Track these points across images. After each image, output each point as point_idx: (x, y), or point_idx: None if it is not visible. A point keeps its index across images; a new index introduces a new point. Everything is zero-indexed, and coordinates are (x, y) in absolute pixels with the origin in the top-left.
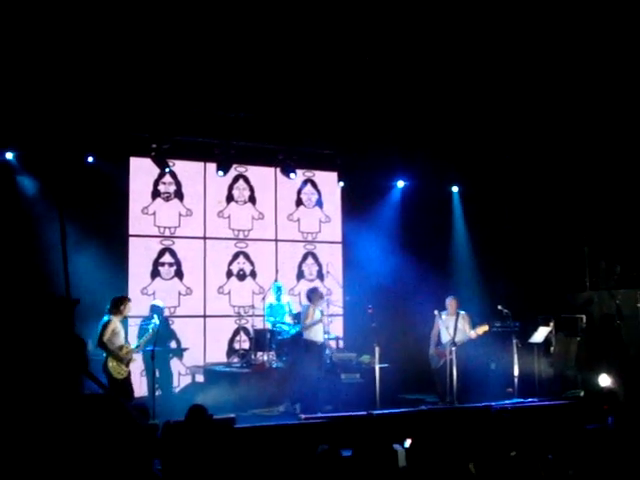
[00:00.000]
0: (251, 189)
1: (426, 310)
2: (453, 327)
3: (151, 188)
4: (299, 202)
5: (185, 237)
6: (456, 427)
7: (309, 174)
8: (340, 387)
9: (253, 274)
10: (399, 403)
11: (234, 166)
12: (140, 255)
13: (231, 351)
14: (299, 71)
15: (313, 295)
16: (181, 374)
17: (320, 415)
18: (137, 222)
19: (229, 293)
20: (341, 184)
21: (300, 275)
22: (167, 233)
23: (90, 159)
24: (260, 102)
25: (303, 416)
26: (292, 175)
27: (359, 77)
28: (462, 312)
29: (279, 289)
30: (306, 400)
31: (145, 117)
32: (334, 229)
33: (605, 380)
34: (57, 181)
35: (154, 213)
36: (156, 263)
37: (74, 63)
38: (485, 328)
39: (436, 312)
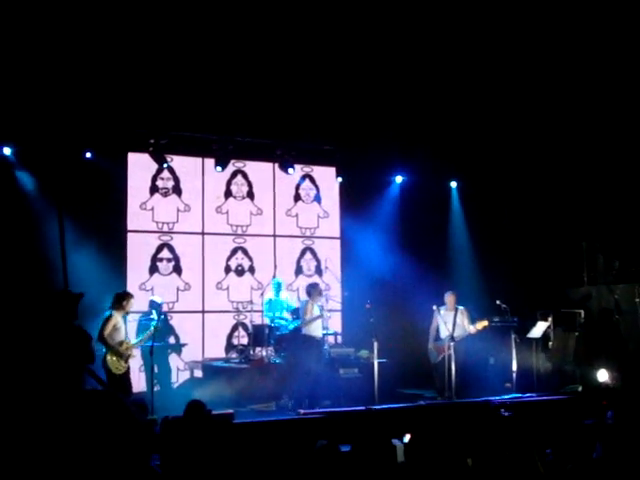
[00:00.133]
0: (249, 184)
1: (425, 305)
2: (452, 322)
3: (149, 184)
4: (297, 197)
5: (183, 233)
6: (455, 422)
7: (307, 169)
8: (339, 382)
9: (252, 269)
10: (397, 398)
11: (232, 161)
12: (138, 251)
13: (230, 346)
14: (297, 66)
15: (313, 290)
16: (180, 369)
17: (319, 410)
18: (135, 218)
19: (227, 288)
20: (339, 179)
21: (298, 270)
22: (165, 229)
23: (88, 155)
24: (258, 97)
25: (302, 411)
26: (290, 170)
27: (358, 72)
28: (461, 307)
29: (279, 285)
30: (305, 395)
31: (143, 112)
32: (332, 224)
33: (603, 375)
34: (55, 177)
35: (152, 209)
36: (154, 259)
37: (72, 58)
38: (485, 323)
39: (434, 307)
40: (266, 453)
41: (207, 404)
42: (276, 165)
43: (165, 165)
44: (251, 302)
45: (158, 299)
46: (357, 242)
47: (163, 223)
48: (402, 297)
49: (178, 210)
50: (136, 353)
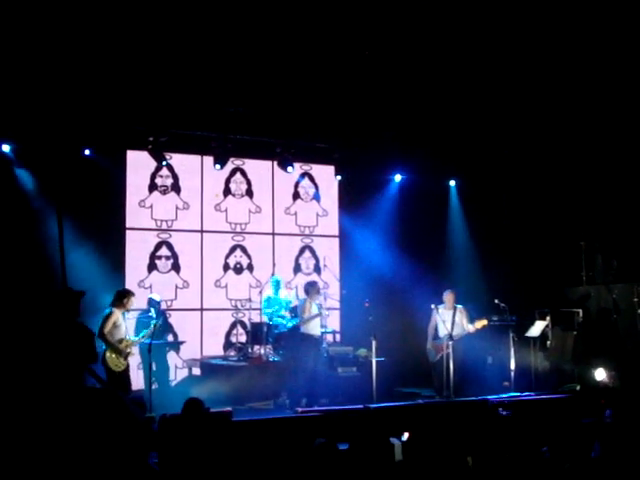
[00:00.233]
0: (248, 182)
1: (423, 304)
2: (450, 321)
3: (148, 181)
4: (296, 196)
5: (182, 230)
6: (453, 421)
7: (306, 168)
8: (337, 381)
9: (250, 267)
10: (396, 397)
11: (231, 159)
12: (137, 248)
13: (228, 344)
14: (297, 65)
15: (311, 289)
16: (178, 367)
17: (317, 408)
18: (134, 215)
19: (226, 286)
20: (338, 178)
21: (297, 269)
22: (164, 226)
23: (87, 152)
24: (258, 96)
25: (300, 409)
26: (289, 169)
27: (357, 71)
28: (459, 306)
29: (277, 283)
30: (302, 394)
31: (142, 110)
32: (331, 223)
33: (601, 374)
34: (54, 174)
35: (151, 206)
36: (153, 256)
37: (71, 56)
38: (484, 322)
39: (433, 306)
40: (264, 451)
41: (205, 402)
42: (275, 163)
43: (164, 163)
44: (250, 300)
45: (157, 297)
46: (356, 240)
47: (162, 221)
48: (401, 296)
49: (177, 208)
50: (135, 351)
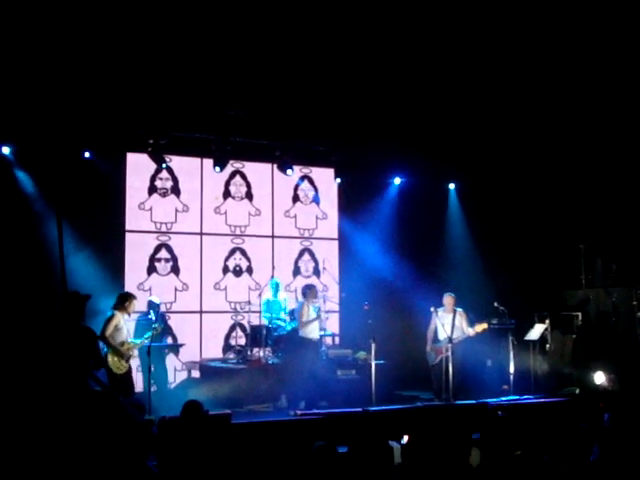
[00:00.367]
0: (248, 185)
1: (422, 307)
2: (450, 324)
3: (148, 184)
4: (296, 198)
5: (181, 233)
6: (452, 424)
7: (306, 170)
8: (336, 384)
9: (249, 270)
10: (395, 400)
11: (231, 162)
12: (137, 251)
13: (227, 347)
14: (296, 68)
15: (308, 292)
16: (177, 370)
17: (316, 411)
18: (133, 218)
19: (225, 289)
20: (338, 181)
21: (296, 271)
22: (163, 229)
23: (87, 154)
24: (257, 98)
25: (299, 412)
26: (289, 171)
27: (357, 74)
28: (459, 309)
29: (277, 286)
30: (300, 397)
31: (142, 113)
32: (331, 226)
33: (600, 378)
34: (53, 176)
35: (151, 209)
36: (152, 259)
37: (71, 58)
38: (484, 326)
39: (432, 309)
40: (263, 454)
41: (204, 404)
42: (275, 166)
43: (164, 165)
44: (249, 303)
45: (156, 299)
46: (355, 243)
47: (161, 223)
48: (400, 298)
49: (176, 210)
50: (134, 353)
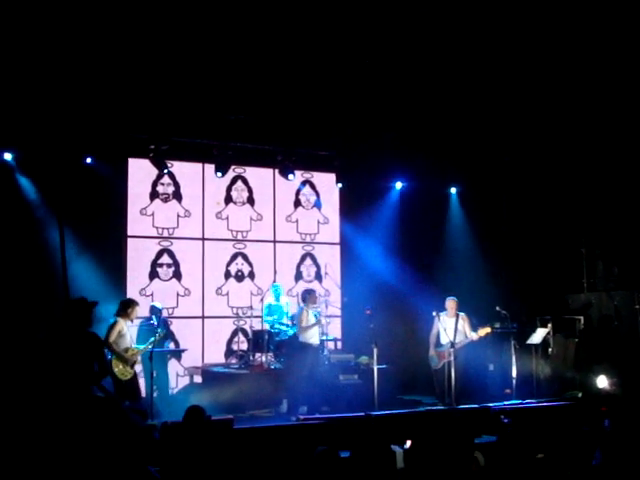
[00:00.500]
0: (249, 190)
1: (425, 311)
2: (453, 328)
3: (149, 189)
4: (297, 203)
5: (183, 238)
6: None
7: (307, 175)
8: (338, 388)
9: (251, 275)
10: (397, 404)
11: (232, 167)
12: (138, 256)
13: (229, 352)
14: (298, 73)
15: (308, 297)
16: (179, 375)
17: (318, 416)
18: (135, 223)
19: (227, 294)
20: (339, 185)
21: (298, 276)
22: (165, 234)
23: (88, 160)
24: (259, 103)
25: (301, 417)
26: (291, 176)
27: (358, 79)
28: (462, 313)
29: (279, 290)
30: (301, 402)
31: (144, 118)
32: (332, 230)
33: (603, 381)
34: (55, 182)
35: (152, 214)
36: (154, 264)
37: (73, 64)
38: (487, 330)
39: (435, 313)
40: (266, 459)
41: (206, 410)
42: (276, 171)
43: (165, 171)
44: (251, 308)
45: (158, 304)
46: (357, 248)
47: (163, 229)
48: (402, 303)
49: (178, 216)
50: (139, 359)
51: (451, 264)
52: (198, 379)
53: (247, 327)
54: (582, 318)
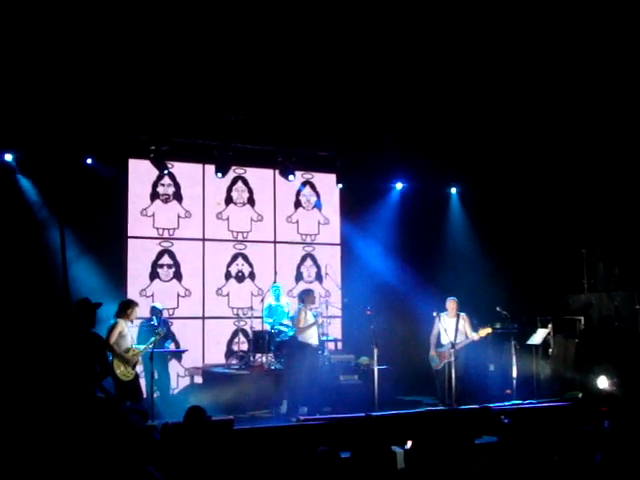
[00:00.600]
0: (250, 191)
1: (425, 312)
2: (453, 329)
3: (150, 190)
4: (298, 204)
5: (184, 239)
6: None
7: (308, 176)
8: (339, 389)
9: (252, 276)
10: (398, 405)
11: (233, 168)
12: (139, 257)
13: (230, 353)
14: (298, 73)
15: (306, 297)
16: (180, 376)
17: (319, 417)
18: (136, 224)
19: (228, 295)
20: (340, 186)
21: (299, 277)
22: (166, 235)
23: (89, 161)
24: (259, 104)
25: (302, 418)
26: (291, 177)
27: (358, 79)
28: (462, 314)
29: (279, 291)
30: (300, 403)
31: (144, 119)
32: (333, 231)
33: (603, 382)
34: (56, 183)
35: (153, 215)
36: (155, 265)
37: (73, 65)
38: (488, 330)
39: (435, 314)
40: (266, 460)
41: (207, 410)
42: (277, 172)
43: (166, 171)
44: (251, 308)
45: (159, 305)
46: (357, 248)
47: (164, 229)
48: (402, 303)
49: (179, 216)
50: (139, 359)
51: (451, 264)
52: (198, 380)
53: (247, 328)
54: (582, 319)
